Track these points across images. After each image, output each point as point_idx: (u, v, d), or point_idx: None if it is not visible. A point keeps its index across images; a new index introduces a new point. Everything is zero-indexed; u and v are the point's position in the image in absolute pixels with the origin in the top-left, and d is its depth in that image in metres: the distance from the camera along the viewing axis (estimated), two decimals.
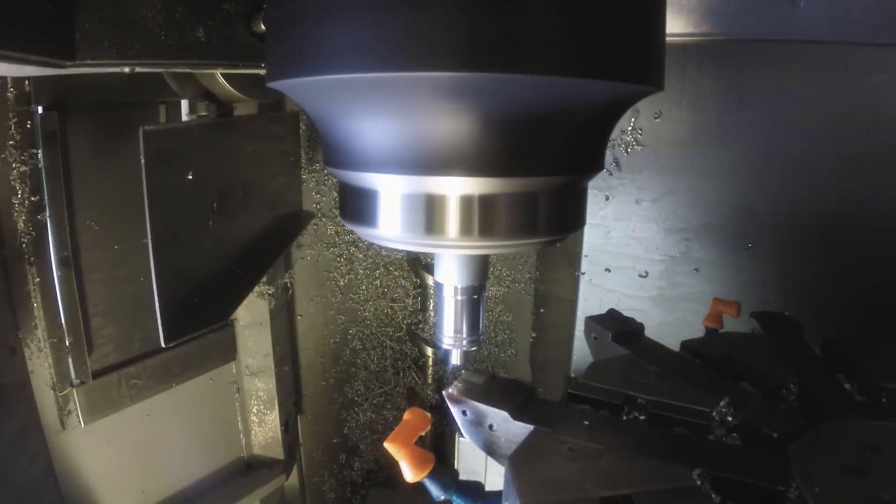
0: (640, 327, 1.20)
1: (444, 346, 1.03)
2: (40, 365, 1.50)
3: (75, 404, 1.56)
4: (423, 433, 1.07)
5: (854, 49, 1.46)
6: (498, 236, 0.83)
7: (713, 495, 0.74)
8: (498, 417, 0.94)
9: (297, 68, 0.77)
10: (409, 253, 2.13)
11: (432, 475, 1.02)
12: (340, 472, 2.47)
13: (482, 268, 0.98)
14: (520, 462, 0.82)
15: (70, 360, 1.55)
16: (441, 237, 0.83)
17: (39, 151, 1.41)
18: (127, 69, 1.02)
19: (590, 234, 1.81)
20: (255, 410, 2.17)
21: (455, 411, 1.00)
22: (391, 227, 0.85)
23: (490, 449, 0.99)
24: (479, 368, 1.07)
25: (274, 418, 2.18)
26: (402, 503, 2.28)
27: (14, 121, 1.36)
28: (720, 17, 1.49)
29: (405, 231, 0.84)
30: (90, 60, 0.96)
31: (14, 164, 1.38)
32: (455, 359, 1.03)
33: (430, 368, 2.27)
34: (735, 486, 0.76)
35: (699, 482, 0.75)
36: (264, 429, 2.19)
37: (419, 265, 2.12)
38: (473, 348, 1.02)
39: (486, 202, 0.81)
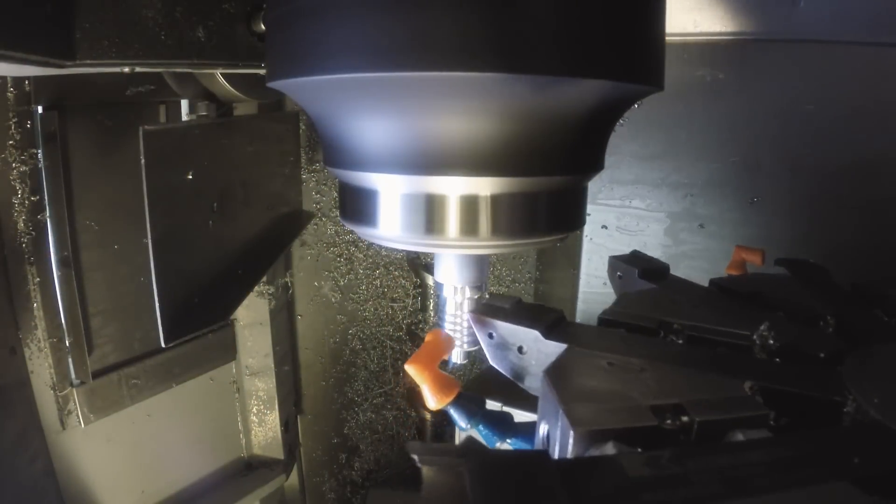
0: (666, 266, 1.13)
1: None
2: (40, 365, 1.50)
3: (75, 404, 1.56)
4: (445, 357, 0.99)
5: (854, 49, 1.46)
6: (498, 236, 0.83)
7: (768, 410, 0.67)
8: (528, 337, 0.84)
9: (297, 68, 0.77)
10: (408, 253, 2.13)
11: (457, 402, 0.93)
12: (340, 472, 2.47)
13: (482, 267, 0.98)
14: (558, 374, 0.74)
15: (70, 360, 1.55)
16: (441, 237, 0.83)
17: (39, 151, 1.41)
18: (127, 69, 1.02)
19: (591, 190, 1.78)
20: (255, 410, 2.17)
21: (480, 334, 0.91)
22: (391, 227, 0.85)
23: (518, 374, 0.90)
24: (504, 295, 0.96)
25: (274, 418, 2.18)
26: (402, 503, 2.28)
27: (14, 121, 1.36)
28: (720, 16, 1.50)
29: (405, 231, 0.84)
30: (90, 60, 0.96)
31: (14, 164, 1.38)
32: (455, 358, 1.03)
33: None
34: (789, 399, 0.70)
35: (751, 393, 0.69)
36: (264, 429, 2.19)
37: (419, 265, 2.12)
38: (474, 348, 1.02)
39: (486, 202, 0.81)
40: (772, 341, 0.82)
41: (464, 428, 0.94)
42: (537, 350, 0.85)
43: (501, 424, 0.97)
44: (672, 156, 1.68)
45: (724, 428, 0.63)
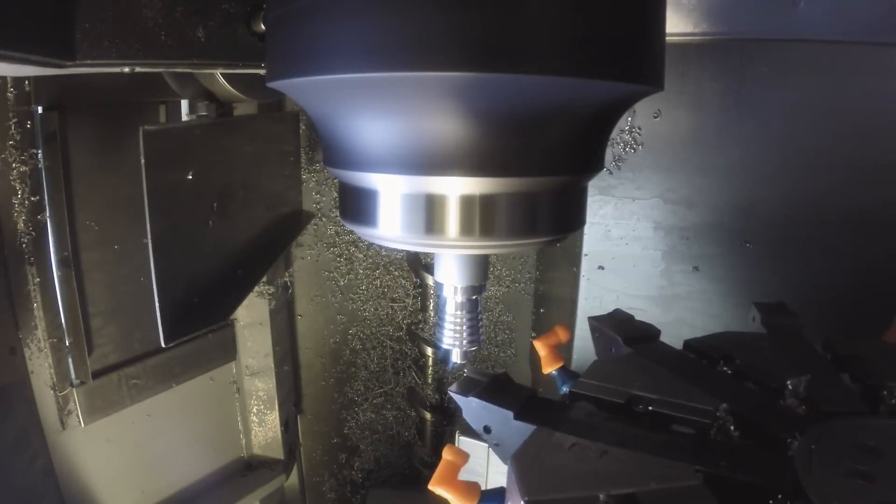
0: (653, 332, 1.18)
1: (444, 346, 1.03)
2: (40, 365, 1.50)
3: (75, 404, 1.56)
4: (560, 343, 1.20)
5: (854, 49, 1.46)
6: (498, 236, 0.83)
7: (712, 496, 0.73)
8: (498, 416, 0.94)
9: (297, 68, 0.77)
10: (409, 253, 2.13)
11: (482, 501, 1.04)
12: (340, 472, 2.47)
13: (482, 267, 0.98)
14: (522, 459, 0.82)
15: (70, 360, 1.55)
16: (441, 237, 0.83)
17: (39, 151, 1.41)
18: (127, 69, 1.02)
19: (589, 232, 1.81)
20: (255, 410, 2.17)
21: (462, 405, 1.01)
22: (391, 227, 0.85)
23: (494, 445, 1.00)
24: (482, 370, 1.08)
25: (274, 418, 2.18)
26: (402, 503, 2.29)
27: (14, 121, 1.36)
28: (720, 17, 1.49)
29: (405, 231, 0.84)
30: (90, 60, 0.96)
31: (14, 164, 1.38)
32: (455, 358, 1.03)
33: (430, 368, 2.27)
34: (734, 484, 0.76)
35: (700, 480, 0.75)
36: (264, 429, 2.19)
37: (419, 265, 2.12)
38: (473, 348, 1.02)
39: (486, 202, 0.81)
40: (732, 427, 0.89)
41: (564, 391, 1.11)
42: (505, 429, 0.94)
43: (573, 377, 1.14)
44: (669, 199, 1.71)
45: None
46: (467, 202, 0.80)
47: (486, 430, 0.97)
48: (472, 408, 0.98)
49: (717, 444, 0.87)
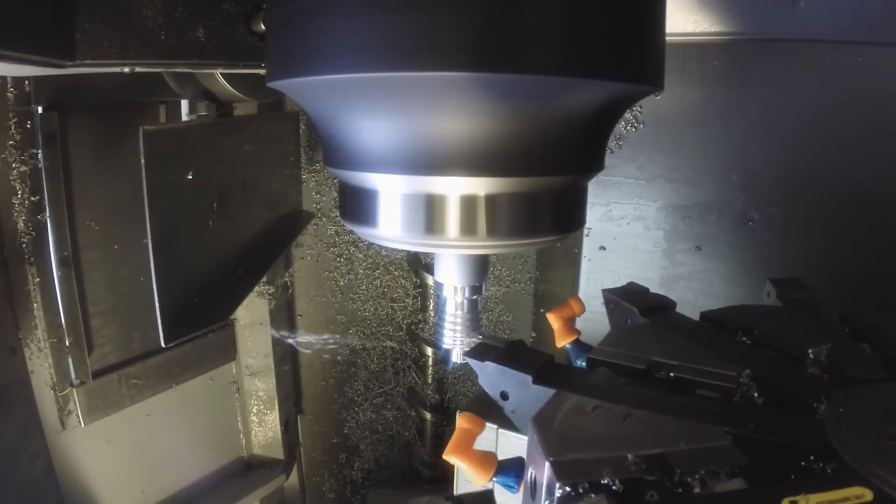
0: (669, 303, 1.14)
1: (444, 346, 1.03)
2: (40, 365, 1.50)
3: (75, 404, 1.56)
4: (573, 315, 1.16)
5: (854, 49, 1.46)
6: (498, 236, 0.83)
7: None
8: (515, 381, 0.90)
9: (297, 68, 0.77)
10: (408, 253, 2.13)
11: (499, 472, 1.01)
12: (340, 472, 2.47)
13: (482, 267, 0.98)
14: (544, 421, 0.77)
15: (70, 360, 1.55)
16: (441, 237, 0.83)
17: (39, 151, 1.41)
18: (127, 69, 1.02)
19: (590, 212, 1.80)
20: (255, 410, 2.17)
21: (477, 370, 0.96)
22: (391, 227, 0.85)
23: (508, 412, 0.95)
24: (497, 336, 1.04)
25: (274, 418, 2.18)
26: (402, 503, 2.28)
27: (14, 121, 1.36)
28: (720, 16, 1.50)
29: (405, 231, 0.84)
30: (90, 60, 0.96)
31: (14, 164, 1.38)
32: (455, 358, 1.03)
33: (430, 368, 2.27)
34: (763, 446, 0.73)
35: (730, 441, 0.72)
36: (264, 429, 2.19)
37: (419, 265, 2.12)
38: None
39: (486, 202, 0.81)
40: (756, 393, 0.85)
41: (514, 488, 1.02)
42: (522, 395, 0.90)
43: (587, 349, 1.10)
44: (671, 178, 1.70)
45: (705, 479, 0.66)
46: (467, 202, 0.81)
47: (504, 396, 0.93)
48: (488, 373, 0.93)
49: (744, 407, 0.83)
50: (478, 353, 0.95)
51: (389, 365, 2.34)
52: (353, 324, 2.29)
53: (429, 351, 2.20)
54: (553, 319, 1.18)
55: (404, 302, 2.26)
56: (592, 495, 0.64)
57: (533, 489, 0.75)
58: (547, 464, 0.68)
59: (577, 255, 1.87)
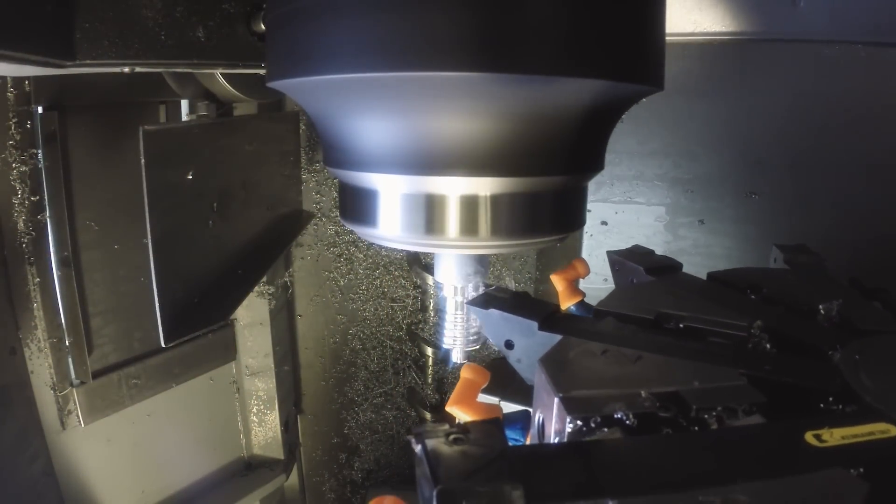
0: (674, 263, 1.12)
1: (445, 346, 1.03)
2: (40, 365, 1.50)
3: (75, 404, 1.56)
4: (578, 277, 1.15)
5: (854, 49, 1.46)
6: (498, 236, 0.83)
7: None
8: (521, 328, 0.87)
9: (297, 68, 0.77)
10: (408, 253, 2.13)
11: (504, 425, 0.99)
12: (340, 472, 2.47)
13: (482, 268, 0.98)
14: (553, 361, 0.74)
15: (70, 360, 1.55)
16: (441, 237, 0.83)
17: (39, 151, 1.41)
18: (127, 69, 1.02)
19: (591, 188, 1.79)
20: (255, 410, 2.17)
21: (482, 318, 0.94)
22: (391, 227, 0.85)
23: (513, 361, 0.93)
24: (502, 287, 1.00)
25: (274, 418, 2.18)
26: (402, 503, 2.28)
27: (14, 121, 1.36)
28: (720, 16, 1.50)
29: (405, 231, 0.84)
30: (90, 60, 0.96)
31: (14, 164, 1.38)
32: (455, 358, 1.03)
33: (430, 368, 2.26)
34: (783, 389, 0.70)
35: (745, 381, 0.69)
36: (264, 429, 2.19)
37: (419, 265, 2.12)
38: (473, 348, 1.02)
39: (486, 202, 0.81)
40: (767, 345, 0.82)
41: (520, 441, 1.01)
42: (528, 342, 0.86)
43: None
44: (672, 152, 1.69)
45: (722, 415, 0.64)
46: (467, 202, 0.81)
47: (509, 344, 0.90)
48: (493, 321, 0.91)
49: (759, 352, 0.81)
50: (482, 301, 0.92)
51: (389, 365, 2.33)
52: (353, 324, 2.29)
53: (429, 351, 2.20)
54: (557, 281, 1.16)
55: (404, 302, 2.26)
56: (606, 429, 0.62)
57: (541, 433, 0.71)
58: (556, 400, 0.65)
59: (578, 255, 1.87)
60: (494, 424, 0.75)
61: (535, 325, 0.85)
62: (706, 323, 0.86)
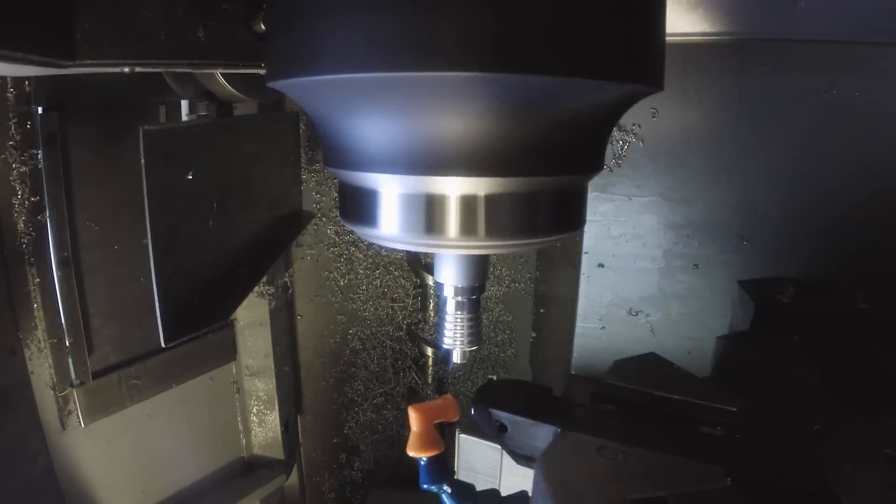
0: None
1: (445, 346, 1.03)
2: (40, 365, 1.50)
3: (75, 404, 1.56)
4: (445, 420, 1.05)
5: (854, 49, 1.46)
6: (498, 236, 0.83)
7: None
8: (516, 420, 0.93)
9: (297, 68, 0.77)
10: (408, 253, 2.13)
11: (430, 462, 0.99)
12: (340, 472, 2.47)
13: (482, 267, 0.98)
14: (550, 462, 0.82)
15: (70, 360, 1.55)
16: (441, 237, 0.83)
17: (39, 152, 1.41)
18: (127, 69, 1.02)
19: (589, 230, 1.81)
20: (255, 410, 2.17)
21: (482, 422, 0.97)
22: (391, 227, 0.85)
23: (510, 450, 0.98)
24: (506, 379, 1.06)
25: (274, 418, 2.18)
26: (402, 503, 2.29)
27: (14, 121, 1.36)
28: (720, 16, 1.50)
29: (405, 231, 0.84)
30: (90, 60, 0.95)
31: (14, 165, 1.38)
32: (455, 358, 1.03)
33: (430, 368, 2.26)
34: (768, 488, 0.76)
35: (729, 483, 0.75)
36: (264, 429, 2.19)
37: (419, 265, 2.12)
38: (473, 348, 1.02)
39: (486, 202, 0.81)
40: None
41: (426, 486, 0.99)
42: (523, 431, 0.92)
43: (465, 492, 1.04)
44: (668, 196, 1.72)
45: None
46: (467, 202, 0.80)
47: (502, 429, 0.95)
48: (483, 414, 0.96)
49: (744, 445, 0.86)
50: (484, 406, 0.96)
51: (389, 365, 2.34)
52: (353, 324, 2.29)
53: (429, 351, 2.20)
54: (413, 416, 1.02)
55: (404, 302, 2.26)
56: None
57: None
58: None
59: (578, 253, 1.87)
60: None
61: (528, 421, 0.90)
62: (697, 409, 0.92)
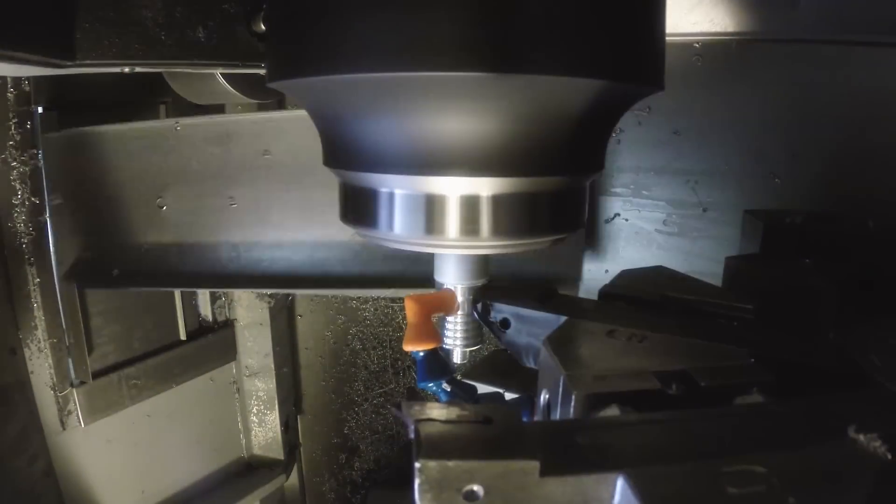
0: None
1: (445, 346, 1.03)
2: (40, 365, 1.50)
3: (75, 404, 1.56)
4: (443, 313, 0.98)
5: (854, 49, 1.46)
6: (497, 236, 0.83)
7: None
8: (520, 311, 0.86)
9: (297, 68, 0.77)
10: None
11: (427, 356, 0.95)
12: (340, 472, 2.47)
13: (482, 268, 0.98)
14: (558, 342, 0.73)
15: (70, 360, 1.55)
16: (441, 237, 0.83)
17: (39, 152, 1.41)
18: (127, 69, 1.02)
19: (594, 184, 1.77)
20: (255, 410, 2.17)
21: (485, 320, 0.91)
22: (392, 228, 0.85)
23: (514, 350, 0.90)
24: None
25: (274, 418, 2.18)
26: (402, 503, 2.28)
27: (14, 121, 1.36)
28: (720, 16, 1.50)
29: (405, 231, 0.84)
30: (90, 60, 0.95)
31: (14, 165, 1.38)
32: (455, 358, 1.03)
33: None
34: (791, 369, 0.69)
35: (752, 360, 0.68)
36: (264, 429, 2.19)
37: None
38: (473, 348, 1.02)
39: (486, 202, 0.81)
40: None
41: (423, 384, 0.95)
42: (530, 324, 0.85)
43: (466, 391, 1.00)
44: (675, 145, 1.69)
45: (730, 394, 0.63)
46: (467, 202, 0.80)
47: (505, 323, 0.88)
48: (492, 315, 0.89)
49: (765, 330, 0.79)
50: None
51: (389, 365, 2.33)
52: (353, 324, 2.29)
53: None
54: (410, 308, 0.97)
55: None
56: (613, 407, 0.60)
57: (547, 413, 0.70)
58: (562, 377, 0.64)
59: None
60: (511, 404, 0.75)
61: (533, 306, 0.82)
62: (711, 306, 0.84)
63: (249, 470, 2.19)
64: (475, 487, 0.45)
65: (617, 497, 0.46)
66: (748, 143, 1.62)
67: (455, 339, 1.01)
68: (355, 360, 2.33)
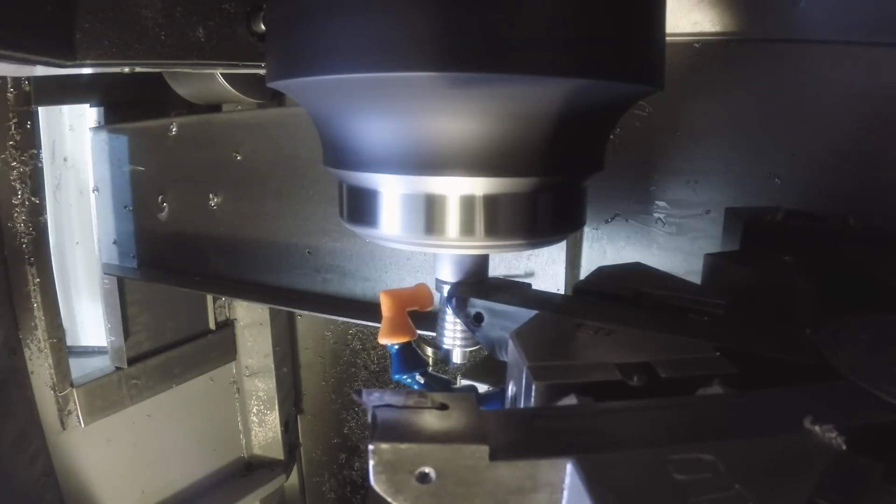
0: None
1: (445, 347, 1.03)
2: (40, 365, 1.50)
3: (75, 404, 1.56)
4: (418, 308, 1.00)
5: (854, 49, 1.46)
6: (497, 236, 0.83)
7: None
8: (492, 306, 0.87)
9: (297, 68, 0.77)
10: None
11: (402, 349, 0.96)
12: (340, 472, 2.47)
13: (482, 267, 0.98)
14: (525, 335, 0.73)
15: (69, 360, 1.55)
16: (441, 237, 0.83)
17: (39, 152, 1.41)
18: (127, 69, 1.02)
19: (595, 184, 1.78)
20: (255, 410, 2.17)
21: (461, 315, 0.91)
22: (391, 228, 0.85)
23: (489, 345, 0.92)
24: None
25: (274, 418, 2.18)
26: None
27: (14, 121, 1.36)
28: (720, 16, 1.50)
29: (405, 231, 0.84)
30: (90, 60, 0.96)
31: (14, 165, 1.38)
32: (455, 358, 1.03)
33: (430, 368, 2.26)
34: (758, 363, 0.69)
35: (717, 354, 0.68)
36: (264, 429, 2.19)
37: None
38: (473, 348, 1.02)
39: (486, 202, 0.81)
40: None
41: (397, 376, 0.95)
42: (503, 318, 0.86)
43: (439, 385, 1.02)
44: (673, 145, 1.68)
45: (691, 386, 0.63)
46: (467, 202, 0.80)
47: (478, 318, 0.89)
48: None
49: (733, 326, 0.79)
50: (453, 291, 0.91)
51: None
52: (354, 324, 2.29)
53: (429, 351, 2.20)
54: (385, 302, 0.97)
55: None
56: (573, 397, 0.61)
57: (514, 405, 0.71)
58: (525, 369, 0.65)
59: (578, 255, 1.87)
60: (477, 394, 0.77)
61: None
62: (684, 301, 0.84)
63: (249, 470, 2.19)
64: (427, 470, 0.47)
65: (566, 481, 0.47)
66: (748, 143, 1.63)
67: (455, 339, 1.01)
68: (355, 360, 2.33)
